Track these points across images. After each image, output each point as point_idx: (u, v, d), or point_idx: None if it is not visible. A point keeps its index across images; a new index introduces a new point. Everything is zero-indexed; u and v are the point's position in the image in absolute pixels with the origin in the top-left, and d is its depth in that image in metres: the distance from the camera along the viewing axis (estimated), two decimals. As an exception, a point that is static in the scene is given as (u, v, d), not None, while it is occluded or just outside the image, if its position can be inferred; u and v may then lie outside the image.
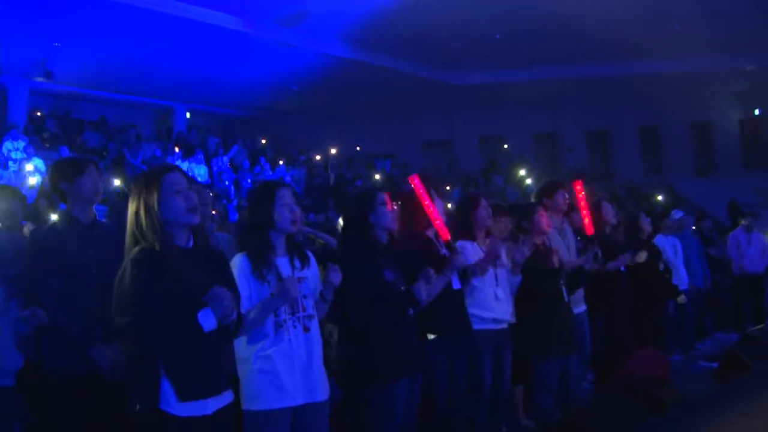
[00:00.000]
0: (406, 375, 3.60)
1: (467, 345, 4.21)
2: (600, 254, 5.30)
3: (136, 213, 2.65)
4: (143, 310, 2.49)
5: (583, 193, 5.17)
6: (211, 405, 2.64)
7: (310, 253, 3.36)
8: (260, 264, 3.09)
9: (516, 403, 5.14)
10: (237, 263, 3.08)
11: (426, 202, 4.05)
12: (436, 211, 4.09)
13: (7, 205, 3.84)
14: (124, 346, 2.63)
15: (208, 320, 2.53)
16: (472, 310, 4.36)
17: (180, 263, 2.56)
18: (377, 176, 17.42)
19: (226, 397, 2.72)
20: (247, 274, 3.06)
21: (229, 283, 2.78)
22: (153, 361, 2.55)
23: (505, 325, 4.54)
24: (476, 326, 4.35)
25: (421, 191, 4.05)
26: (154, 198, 2.63)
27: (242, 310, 2.98)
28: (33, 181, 11.57)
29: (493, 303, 4.46)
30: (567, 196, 5.61)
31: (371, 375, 3.48)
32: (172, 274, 2.52)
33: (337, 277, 3.21)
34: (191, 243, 2.75)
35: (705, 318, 8.80)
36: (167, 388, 2.54)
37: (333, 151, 18.75)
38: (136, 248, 2.60)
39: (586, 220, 5.10)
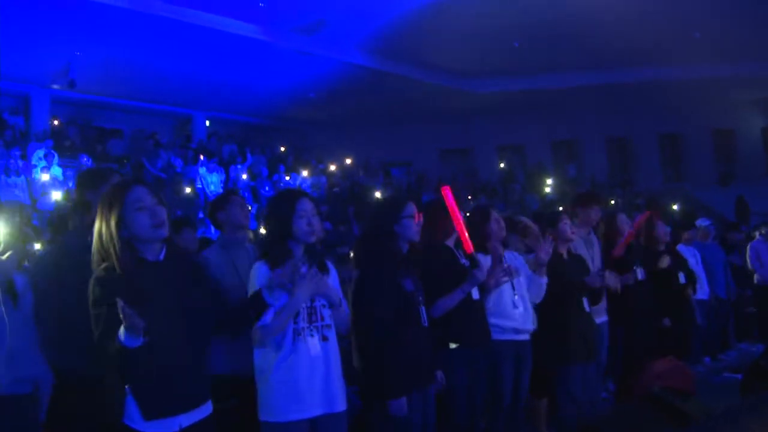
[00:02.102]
0: (419, 388, 3.55)
1: (486, 355, 4.16)
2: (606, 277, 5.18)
3: (99, 231, 2.61)
4: (103, 330, 2.46)
5: (639, 224, 5.13)
6: (182, 421, 2.58)
7: (329, 263, 3.34)
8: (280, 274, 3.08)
9: (539, 417, 5.07)
10: (256, 271, 3.08)
11: (456, 215, 4.02)
12: (463, 224, 4.06)
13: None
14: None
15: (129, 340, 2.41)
16: (492, 320, 4.32)
17: (144, 279, 2.49)
18: (389, 185, 17.40)
19: (202, 411, 2.65)
20: (264, 279, 3.06)
21: (204, 291, 2.77)
22: (117, 378, 2.51)
23: (526, 337, 4.49)
24: (497, 336, 4.30)
25: (452, 204, 4.03)
26: (115, 216, 2.60)
27: (266, 318, 2.99)
28: (56, 195, 11.70)
29: (512, 311, 4.41)
30: (600, 211, 5.61)
31: (383, 388, 3.44)
32: (132, 293, 2.43)
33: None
34: (162, 256, 2.69)
35: (728, 328, 8.67)
36: (132, 404, 2.50)
37: (348, 161, 18.74)
38: (102, 265, 2.57)
39: (620, 244, 5.05)
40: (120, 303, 2.35)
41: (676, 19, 14.48)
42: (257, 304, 2.90)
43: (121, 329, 2.37)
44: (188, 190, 13.51)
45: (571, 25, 14.43)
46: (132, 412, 2.50)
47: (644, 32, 14.76)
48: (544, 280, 4.58)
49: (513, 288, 4.44)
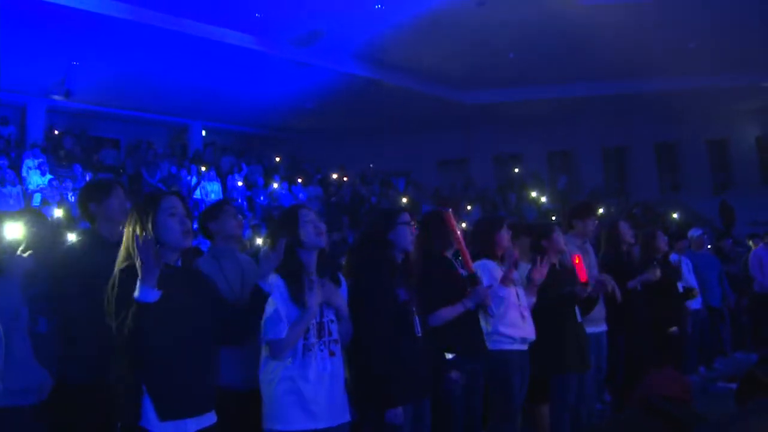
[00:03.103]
0: (412, 400, 3.56)
1: (483, 365, 4.17)
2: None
3: (133, 232, 2.74)
4: (124, 321, 2.54)
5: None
6: (191, 426, 2.67)
7: (341, 277, 3.38)
8: (294, 286, 3.12)
9: (541, 424, 5.07)
10: (273, 285, 3.10)
11: (458, 236, 4.04)
12: (464, 244, 4.08)
13: (36, 229, 3.92)
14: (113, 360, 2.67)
15: (143, 293, 2.52)
16: (502, 329, 4.34)
17: (163, 281, 2.58)
18: (393, 195, 17.41)
19: (208, 419, 2.74)
20: (284, 295, 3.09)
21: (213, 300, 2.91)
22: (136, 376, 2.58)
23: (526, 347, 4.52)
24: (507, 347, 4.34)
25: (454, 226, 4.06)
26: (151, 220, 2.75)
27: (283, 332, 3.02)
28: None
29: (521, 321, 4.44)
30: (597, 222, 5.66)
31: (381, 397, 3.45)
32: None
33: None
34: (179, 263, 2.85)
35: (723, 337, 8.69)
36: (148, 406, 2.56)
37: (346, 178, 18.70)
38: (126, 263, 2.70)
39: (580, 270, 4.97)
40: (137, 241, 2.54)
41: (671, 30, 14.57)
42: (257, 296, 2.95)
43: (137, 285, 2.46)
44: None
45: (567, 37, 14.51)
46: (147, 413, 2.57)
47: (640, 43, 14.84)
48: (533, 300, 4.61)
49: (518, 298, 4.46)
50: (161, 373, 2.61)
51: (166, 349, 2.60)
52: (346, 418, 3.21)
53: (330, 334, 3.18)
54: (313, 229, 3.23)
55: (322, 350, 3.14)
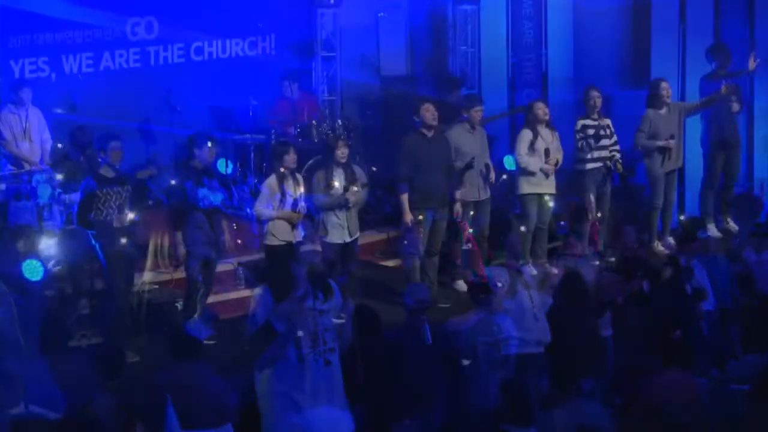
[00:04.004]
0: (418, 409, 3.55)
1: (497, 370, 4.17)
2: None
3: (160, 241, 2.82)
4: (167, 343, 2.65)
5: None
6: None
7: (334, 284, 3.36)
8: (280, 305, 3.11)
9: (554, 426, 5.06)
10: (258, 296, 3.10)
11: (475, 247, 4.07)
12: (479, 255, 4.10)
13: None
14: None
15: (198, 330, 2.65)
16: (514, 333, 4.36)
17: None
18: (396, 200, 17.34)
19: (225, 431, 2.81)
20: (267, 307, 3.07)
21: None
22: (161, 387, 2.68)
23: (542, 349, 4.53)
24: (520, 350, 4.37)
25: (470, 237, 4.08)
26: (180, 230, 2.82)
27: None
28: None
29: (534, 323, 4.47)
30: (598, 225, 5.72)
31: (385, 411, 3.45)
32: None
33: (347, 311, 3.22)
34: (199, 278, 2.90)
35: (733, 338, 8.66)
36: (172, 414, 2.66)
37: (355, 187, 18.57)
38: (155, 277, 2.78)
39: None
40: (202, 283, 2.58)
41: (671, 34, 14.57)
42: (266, 331, 2.98)
43: (194, 318, 2.57)
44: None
45: (566, 42, 14.52)
46: (171, 420, 2.65)
47: (639, 47, 14.85)
48: (550, 301, 4.62)
49: (531, 300, 4.47)
50: (184, 383, 2.70)
51: (187, 361, 2.70)
52: (346, 428, 3.19)
53: (325, 343, 3.17)
54: (309, 244, 3.20)
55: (316, 360, 3.12)
